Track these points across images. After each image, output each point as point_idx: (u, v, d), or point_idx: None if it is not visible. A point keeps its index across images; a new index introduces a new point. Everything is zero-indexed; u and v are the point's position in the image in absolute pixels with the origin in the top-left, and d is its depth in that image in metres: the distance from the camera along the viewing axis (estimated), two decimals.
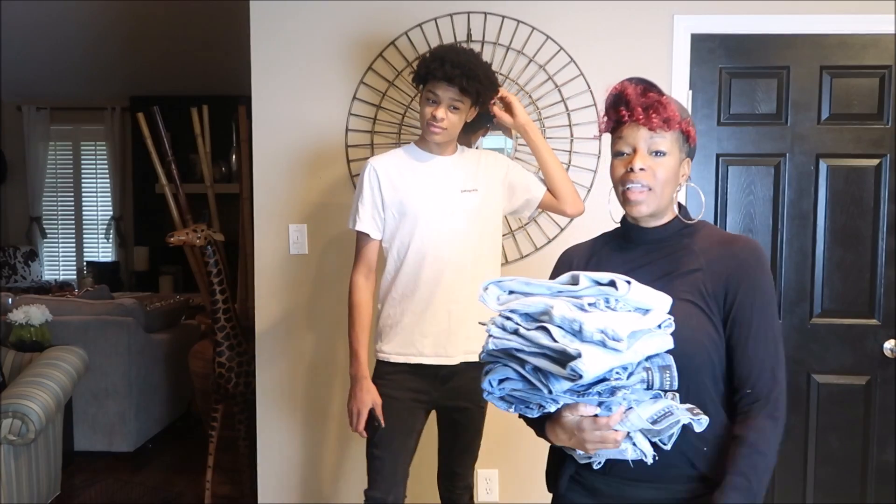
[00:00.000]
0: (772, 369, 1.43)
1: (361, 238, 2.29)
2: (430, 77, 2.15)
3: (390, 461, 2.26)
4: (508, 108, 2.34)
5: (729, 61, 2.75)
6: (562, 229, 2.79)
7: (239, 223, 3.65)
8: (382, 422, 2.22)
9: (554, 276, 1.51)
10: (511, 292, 1.31)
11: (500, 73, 2.77)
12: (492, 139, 2.80)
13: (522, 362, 1.26)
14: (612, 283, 1.25)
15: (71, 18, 5.63)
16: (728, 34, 2.74)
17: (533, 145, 2.34)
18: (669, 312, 1.28)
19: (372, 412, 2.22)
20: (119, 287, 6.81)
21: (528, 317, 1.27)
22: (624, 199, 1.46)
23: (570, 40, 2.75)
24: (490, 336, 1.29)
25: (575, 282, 1.27)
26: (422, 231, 2.22)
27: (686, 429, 1.29)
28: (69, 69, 6.48)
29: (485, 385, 1.31)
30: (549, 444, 1.46)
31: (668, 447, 1.31)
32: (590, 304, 1.23)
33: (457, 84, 2.12)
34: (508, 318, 1.28)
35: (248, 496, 3.31)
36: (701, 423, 1.29)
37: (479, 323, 1.34)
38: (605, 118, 1.50)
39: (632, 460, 1.32)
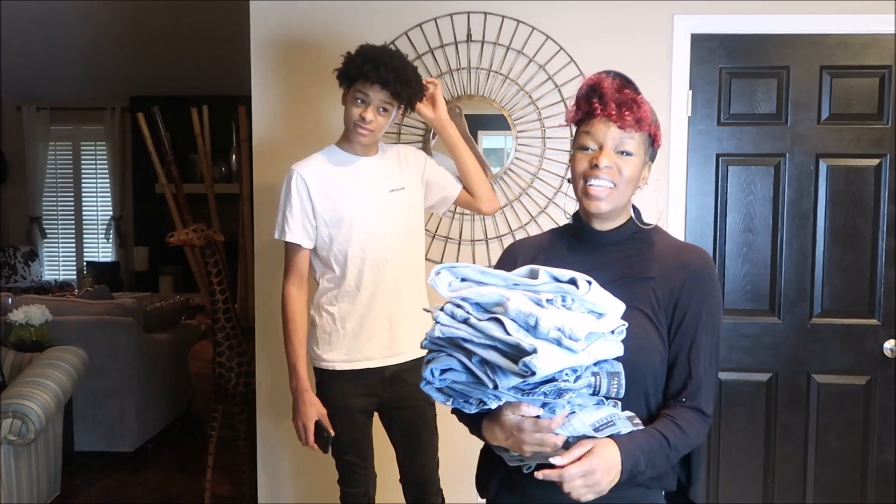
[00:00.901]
0: (709, 384, 1.39)
1: (291, 248, 2.23)
2: (360, 78, 2.09)
3: (361, 461, 2.30)
4: (432, 101, 2.29)
5: (729, 61, 2.75)
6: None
7: (239, 223, 3.65)
8: (331, 431, 2.19)
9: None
10: (464, 280, 1.25)
11: (500, 73, 2.77)
12: (491, 139, 2.80)
13: (469, 353, 1.19)
14: (572, 281, 1.20)
15: (71, 18, 5.64)
16: (728, 34, 2.73)
17: (450, 142, 2.30)
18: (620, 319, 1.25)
19: (319, 423, 2.19)
20: (119, 287, 6.82)
21: (481, 307, 1.20)
22: (584, 194, 1.42)
23: (570, 40, 2.75)
24: (437, 323, 1.22)
25: (533, 276, 1.22)
26: (358, 236, 2.19)
27: None
28: (69, 69, 6.48)
29: (426, 374, 1.24)
30: (486, 447, 1.42)
31: None
32: (547, 301, 1.18)
33: (390, 89, 2.08)
34: (459, 307, 1.21)
35: (248, 496, 3.31)
36: None
37: (424, 309, 1.29)
38: (575, 108, 1.46)
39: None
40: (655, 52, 2.74)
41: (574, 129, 1.49)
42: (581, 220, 1.49)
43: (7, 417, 2.89)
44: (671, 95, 2.74)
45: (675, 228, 2.76)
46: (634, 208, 1.50)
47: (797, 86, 2.73)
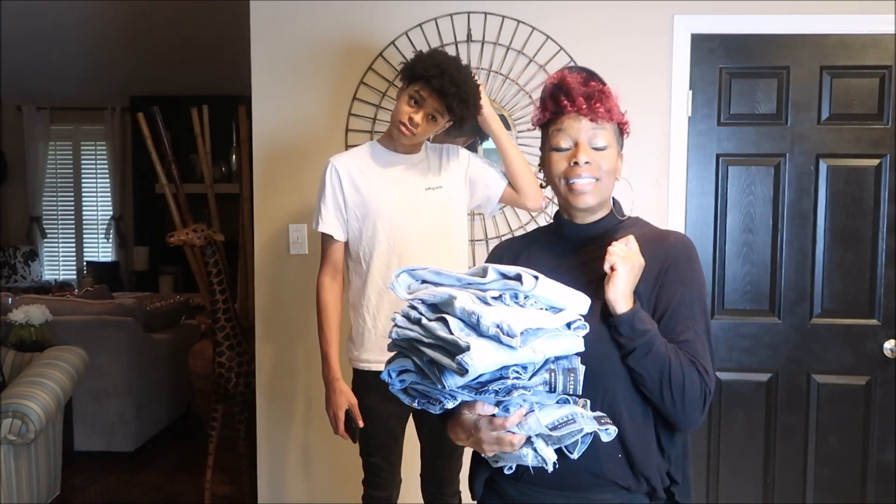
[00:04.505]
0: (707, 362, 1.34)
1: (326, 239, 2.25)
2: (422, 80, 2.08)
3: (387, 466, 2.29)
4: None
5: (729, 61, 2.75)
6: None
7: (239, 223, 3.65)
8: (360, 422, 2.20)
9: None
10: (423, 281, 1.27)
11: (500, 73, 2.77)
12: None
13: (421, 354, 1.21)
14: (517, 278, 1.19)
15: (71, 18, 5.64)
16: (728, 34, 2.74)
17: (495, 138, 2.29)
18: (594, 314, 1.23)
19: (349, 413, 2.20)
20: (119, 287, 6.81)
21: (433, 307, 1.22)
22: (568, 191, 1.40)
23: (570, 40, 2.75)
24: (395, 325, 1.25)
25: (483, 274, 1.22)
26: (386, 232, 2.19)
27: (597, 435, 1.24)
28: (69, 69, 6.48)
29: (383, 376, 1.26)
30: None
31: (575, 456, 1.24)
32: (493, 298, 1.18)
33: (447, 101, 2.07)
34: (414, 308, 1.23)
35: (248, 496, 3.31)
36: (609, 433, 1.23)
37: (394, 313, 1.30)
38: (541, 108, 1.44)
39: (532, 467, 1.26)
40: (655, 52, 2.74)
41: (541, 131, 1.47)
42: (561, 218, 1.47)
43: (7, 417, 2.89)
44: (671, 95, 2.74)
45: (675, 228, 2.75)
46: (613, 200, 1.48)
47: (797, 86, 2.73)
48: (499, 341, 1.13)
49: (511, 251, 1.51)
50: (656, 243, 1.40)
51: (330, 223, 2.22)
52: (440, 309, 1.21)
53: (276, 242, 2.88)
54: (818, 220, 2.76)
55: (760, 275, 2.79)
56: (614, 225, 1.45)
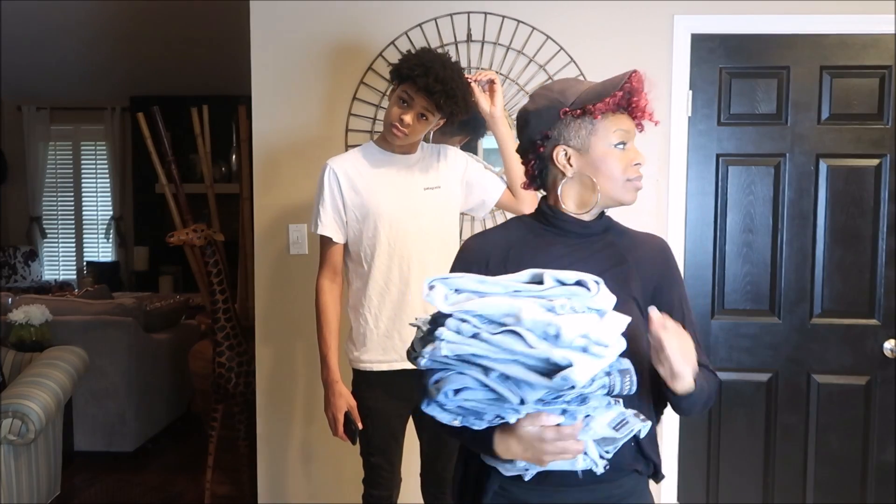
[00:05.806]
0: (709, 366, 1.43)
1: (325, 242, 2.25)
2: (409, 80, 2.10)
3: (388, 465, 2.29)
4: (491, 94, 2.27)
5: (729, 61, 2.75)
6: None
7: (239, 223, 3.65)
8: (360, 424, 2.20)
9: (464, 270, 1.33)
10: (458, 290, 1.19)
11: (500, 73, 2.77)
12: (491, 139, 2.79)
13: (485, 369, 1.14)
14: (579, 283, 1.16)
15: (71, 18, 5.64)
16: (728, 34, 2.74)
17: (501, 139, 2.30)
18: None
19: (348, 415, 2.20)
20: (119, 287, 6.82)
21: (488, 319, 1.15)
22: (626, 190, 1.41)
23: (570, 40, 2.75)
24: (442, 341, 1.15)
25: (537, 280, 1.17)
26: (386, 232, 2.19)
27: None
28: (69, 69, 6.48)
29: (439, 398, 1.17)
30: (465, 463, 1.45)
31: (610, 455, 1.26)
32: (560, 307, 1.15)
33: (434, 99, 2.08)
34: (465, 321, 1.15)
35: (248, 496, 3.31)
36: (646, 427, 1.25)
37: (410, 324, 1.23)
38: (610, 99, 1.38)
39: (581, 471, 1.27)
40: (655, 52, 2.74)
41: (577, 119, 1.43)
42: (559, 212, 1.45)
43: (7, 417, 2.89)
44: (671, 95, 2.74)
45: (675, 228, 2.76)
46: None
47: (797, 86, 2.73)
48: (584, 351, 1.11)
49: (497, 248, 1.45)
50: (646, 243, 1.48)
51: (329, 226, 2.22)
52: (496, 321, 1.15)
53: (276, 242, 2.88)
54: (818, 220, 2.76)
55: (760, 275, 2.79)
56: (607, 224, 1.48)
